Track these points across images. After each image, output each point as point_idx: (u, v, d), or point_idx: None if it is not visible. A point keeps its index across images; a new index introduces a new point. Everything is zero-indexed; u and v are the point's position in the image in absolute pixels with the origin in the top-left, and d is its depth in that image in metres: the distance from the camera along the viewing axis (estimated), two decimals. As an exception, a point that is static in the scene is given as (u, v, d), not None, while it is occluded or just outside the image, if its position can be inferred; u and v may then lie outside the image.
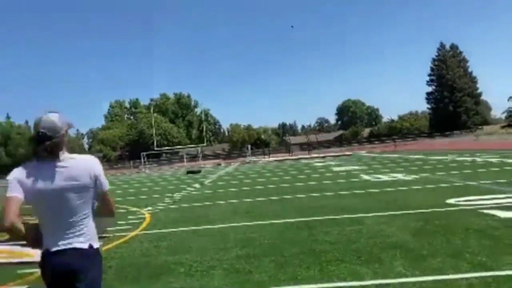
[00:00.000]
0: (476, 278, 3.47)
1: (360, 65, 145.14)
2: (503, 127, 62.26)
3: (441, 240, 4.75)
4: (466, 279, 3.46)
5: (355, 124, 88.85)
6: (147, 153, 49.85)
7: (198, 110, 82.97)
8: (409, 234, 5.19)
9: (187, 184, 18.34)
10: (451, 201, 7.37)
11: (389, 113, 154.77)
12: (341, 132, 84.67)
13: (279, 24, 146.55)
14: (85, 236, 1.92)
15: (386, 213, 6.73)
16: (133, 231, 7.17)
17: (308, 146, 55.79)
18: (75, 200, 1.89)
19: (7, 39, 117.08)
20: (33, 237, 1.92)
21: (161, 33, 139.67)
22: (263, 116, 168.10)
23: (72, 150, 2.06)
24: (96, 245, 1.98)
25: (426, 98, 70.61)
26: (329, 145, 66.61)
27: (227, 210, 8.89)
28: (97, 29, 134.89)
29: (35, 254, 5.94)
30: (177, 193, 13.89)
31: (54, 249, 1.88)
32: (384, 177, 13.09)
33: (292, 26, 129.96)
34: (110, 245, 6.04)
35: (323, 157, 37.31)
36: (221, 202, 10.40)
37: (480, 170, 12.95)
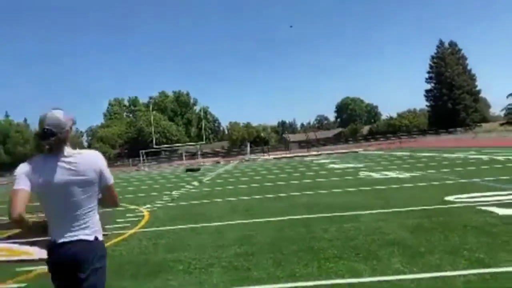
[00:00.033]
0: (473, 274, 3.48)
1: (359, 62, 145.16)
2: (502, 124, 62.34)
3: (439, 237, 4.76)
4: (464, 275, 3.47)
5: (354, 121, 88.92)
6: (146, 151, 49.77)
7: (197, 108, 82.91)
8: (407, 231, 5.20)
9: (185, 182, 18.34)
10: (450, 198, 7.39)
11: (388, 111, 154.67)
12: (340, 129, 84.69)
13: (278, 21, 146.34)
14: (90, 228, 1.98)
15: (384, 210, 6.74)
16: (131, 229, 7.17)
17: (307, 144, 55.81)
18: (80, 194, 1.95)
19: (6, 37, 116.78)
20: (39, 230, 2.01)
21: (160, 31, 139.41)
22: (263, 114, 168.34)
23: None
24: (101, 237, 2.04)
25: (425, 96, 70.70)
26: (328, 143, 66.62)
27: (225, 208, 8.89)
28: (96, 26, 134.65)
29: (34, 252, 5.97)
30: (175, 191, 13.89)
31: (61, 240, 1.93)
32: (383, 175, 13.11)
33: (291, 26, 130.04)
34: (108, 243, 6.03)
35: (320, 154, 37.34)
36: (220, 200, 10.41)
37: (479, 167, 12.97)
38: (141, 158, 48.52)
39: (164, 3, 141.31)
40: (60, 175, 1.91)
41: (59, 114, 1.95)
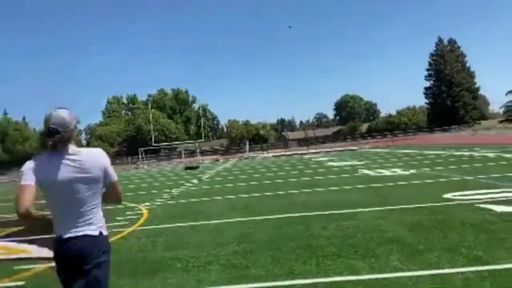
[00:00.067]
0: (472, 272, 3.48)
1: (358, 60, 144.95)
2: (501, 121, 62.39)
3: (438, 235, 4.76)
4: (462, 273, 3.47)
5: (353, 119, 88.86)
6: (145, 149, 49.67)
7: (196, 106, 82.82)
8: (406, 228, 5.20)
9: (185, 179, 18.33)
10: (448, 195, 7.39)
11: (387, 108, 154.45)
12: (339, 127, 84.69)
13: (278, 19, 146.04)
14: (95, 224, 2.03)
15: (383, 208, 6.74)
16: (130, 226, 7.16)
17: (305, 142, 55.81)
18: (84, 191, 1.99)
19: (3, 35, 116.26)
20: (43, 225, 2.06)
21: (159, 29, 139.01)
22: (262, 112, 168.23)
23: None
24: (105, 232, 2.10)
25: (424, 93, 70.72)
26: (327, 140, 66.63)
27: (224, 205, 8.89)
28: (94, 24, 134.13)
29: (32, 251, 5.95)
30: (175, 189, 13.89)
31: (66, 236, 1.98)
32: (382, 172, 13.12)
33: (289, 27, 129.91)
34: (107, 241, 6.02)
35: (318, 152, 37.36)
36: (219, 197, 10.40)
37: (477, 164, 13.00)
38: (140, 156, 48.43)
39: (162, 1, 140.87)
40: (65, 173, 1.95)
41: (64, 113, 2.00)
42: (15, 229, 8.08)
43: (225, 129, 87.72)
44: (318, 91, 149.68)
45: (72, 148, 2.00)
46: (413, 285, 3.33)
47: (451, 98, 65.03)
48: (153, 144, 50.33)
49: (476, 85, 68.85)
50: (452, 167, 12.93)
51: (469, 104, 65.77)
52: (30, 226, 2.01)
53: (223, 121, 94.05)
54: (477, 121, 64.26)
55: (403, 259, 3.98)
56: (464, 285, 3.22)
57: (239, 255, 4.64)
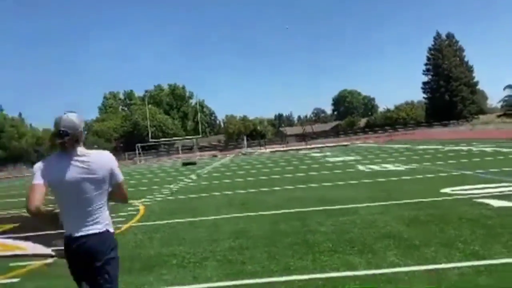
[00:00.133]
0: (468, 267, 3.47)
1: (357, 56, 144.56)
2: (499, 116, 62.45)
3: (435, 230, 4.75)
4: (458, 268, 3.47)
5: (351, 114, 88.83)
6: (142, 145, 49.54)
7: (193, 101, 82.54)
8: (403, 224, 5.19)
9: (182, 175, 18.30)
10: (446, 190, 7.39)
11: (385, 103, 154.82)
12: (337, 122, 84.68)
13: (275, 14, 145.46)
14: (101, 223, 2.14)
15: (380, 203, 6.73)
16: (127, 223, 7.14)
17: (303, 137, 55.83)
18: (92, 191, 2.10)
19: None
20: (51, 221, 2.18)
21: (155, 23, 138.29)
22: (259, 107, 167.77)
23: None
24: (112, 230, 2.20)
25: (422, 88, 70.63)
26: (325, 136, 66.63)
27: (221, 201, 8.87)
28: (91, 20, 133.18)
29: (28, 247, 5.92)
30: (172, 185, 13.86)
31: (76, 234, 2.09)
32: (379, 167, 13.12)
33: (287, 28, 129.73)
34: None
35: (316, 147, 37.37)
36: (215, 193, 10.39)
37: (475, 159, 13.02)
38: (137, 152, 48.30)
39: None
40: (73, 173, 2.06)
41: (73, 117, 2.12)
42: (11, 226, 8.05)
43: (222, 125, 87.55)
44: (316, 87, 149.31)
45: (80, 149, 2.12)
46: (410, 280, 3.32)
47: (449, 92, 65.01)
48: (150, 140, 50.20)
49: (475, 80, 68.80)
50: (451, 161, 12.94)
51: (467, 98, 65.78)
52: (39, 221, 2.13)
53: (220, 117, 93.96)
54: (475, 116, 64.30)
55: (400, 254, 3.97)
56: (461, 280, 3.21)
57: (235, 251, 4.62)
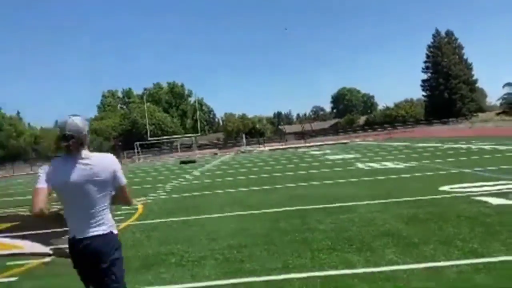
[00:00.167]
0: (467, 265, 3.46)
1: (356, 53, 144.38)
2: (498, 114, 62.47)
3: (433, 228, 4.74)
4: (457, 266, 3.46)
5: (350, 112, 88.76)
6: (141, 143, 49.41)
7: (192, 100, 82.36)
8: (402, 222, 5.18)
9: (180, 174, 18.28)
10: (445, 188, 7.39)
11: (384, 101, 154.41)
12: (336, 120, 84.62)
13: (274, 12, 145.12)
14: (105, 224, 2.18)
15: (379, 201, 6.72)
16: (125, 221, 7.13)
17: (303, 135, 55.78)
18: (95, 193, 2.14)
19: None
20: (55, 221, 2.24)
21: (154, 22, 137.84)
22: (258, 105, 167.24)
23: None
24: (115, 231, 2.24)
25: (422, 85, 70.59)
26: (324, 134, 66.60)
27: (219, 200, 8.86)
28: (89, 18, 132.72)
29: (25, 246, 5.89)
30: (170, 183, 13.84)
31: (80, 236, 2.14)
32: (379, 165, 13.11)
33: (286, 29, 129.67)
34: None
35: (314, 145, 37.38)
36: (213, 192, 10.37)
37: (474, 157, 13.02)
38: (136, 151, 48.20)
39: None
40: (77, 176, 2.10)
41: (78, 120, 2.16)
42: (9, 224, 8.03)
43: (221, 123, 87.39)
44: (315, 84, 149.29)
45: (84, 152, 2.16)
46: (408, 278, 3.31)
47: (448, 90, 64.96)
48: (149, 138, 50.10)
49: (474, 78, 68.76)
50: (450, 159, 12.95)
51: (466, 96, 65.75)
52: (44, 220, 2.19)
53: (219, 115, 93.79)
54: (475, 114, 64.30)
55: (399, 252, 3.96)
56: (459, 278, 3.21)
57: (234, 249, 4.61)
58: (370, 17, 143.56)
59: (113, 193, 2.24)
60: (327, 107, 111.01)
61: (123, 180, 2.25)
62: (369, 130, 63.69)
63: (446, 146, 19.40)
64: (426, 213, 5.51)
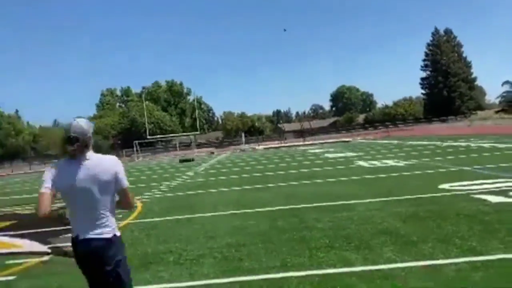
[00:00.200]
0: (465, 263, 3.46)
1: (355, 51, 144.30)
2: (497, 112, 62.51)
3: (432, 226, 4.74)
4: (455, 264, 3.46)
5: (349, 110, 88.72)
6: (140, 141, 49.35)
7: (190, 98, 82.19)
8: (400, 220, 5.18)
9: (179, 172, 18.27)
10: (444, 186, 7.39)
11: (383, 99, 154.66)
12: (335, 118, 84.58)
13: (274, 11, 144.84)
14: (109, 226, 2.21)
15: (378, 199, 6.72)
16: (124, 220, 7.11)
17: (302, 134, 55.77)
18: (100, 195, 2.17)
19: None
20: (59, 221, 2.28)
21: (153, 20, 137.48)
22: (257, 104, 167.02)
23: None
24: (118, 233, 2.27)
25: (421, 84, 70.53)
26: (324, 132, 66.59)
27: (217, 198, 8.85)
28: (87, 16, 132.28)
29: (24, 245, 5.88)
30: (169, 182, 13.84)
31: (83, 237, 2.17)
32: (380, 163, 13.12)
33: (284, 30, 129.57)
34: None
35: (314, 144, 37.38)
36: (212, 190, 10.37)
37: (473, 155, 13.03)
38: (135, 149, 48.14)
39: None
40: (82, 177, 2.14)
41: (82, 123, 2.20)
42: (8, 223, 8.01)
43: (220, 121, 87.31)
44: (314, 82, 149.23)
45: (89, 154, 2.20)
46: (406, 276, 3.31)
47: (447, 88, 64.96)
48: (148, 137, 50.04)
49: (473, 76, 68.75)
50: (449, 157, 12.95)
51: (465, 94, 65.76)
52: (47, 220, 2.21)
53: (218, 113, 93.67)
54: (474, 112, 64.31)
55: (397, 251, 3.96)
56: (457, 276, 3.21)
57: (232, 248, 4.61)
58: (369, 15, 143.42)
59: (116, 198, 2.27)
60: (326, 105, 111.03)
61: (125, 183, 2.25)
62: (370, 128, 63.67)
63: (445, 144, 19.39)
64: (425, 211, 5.51)
